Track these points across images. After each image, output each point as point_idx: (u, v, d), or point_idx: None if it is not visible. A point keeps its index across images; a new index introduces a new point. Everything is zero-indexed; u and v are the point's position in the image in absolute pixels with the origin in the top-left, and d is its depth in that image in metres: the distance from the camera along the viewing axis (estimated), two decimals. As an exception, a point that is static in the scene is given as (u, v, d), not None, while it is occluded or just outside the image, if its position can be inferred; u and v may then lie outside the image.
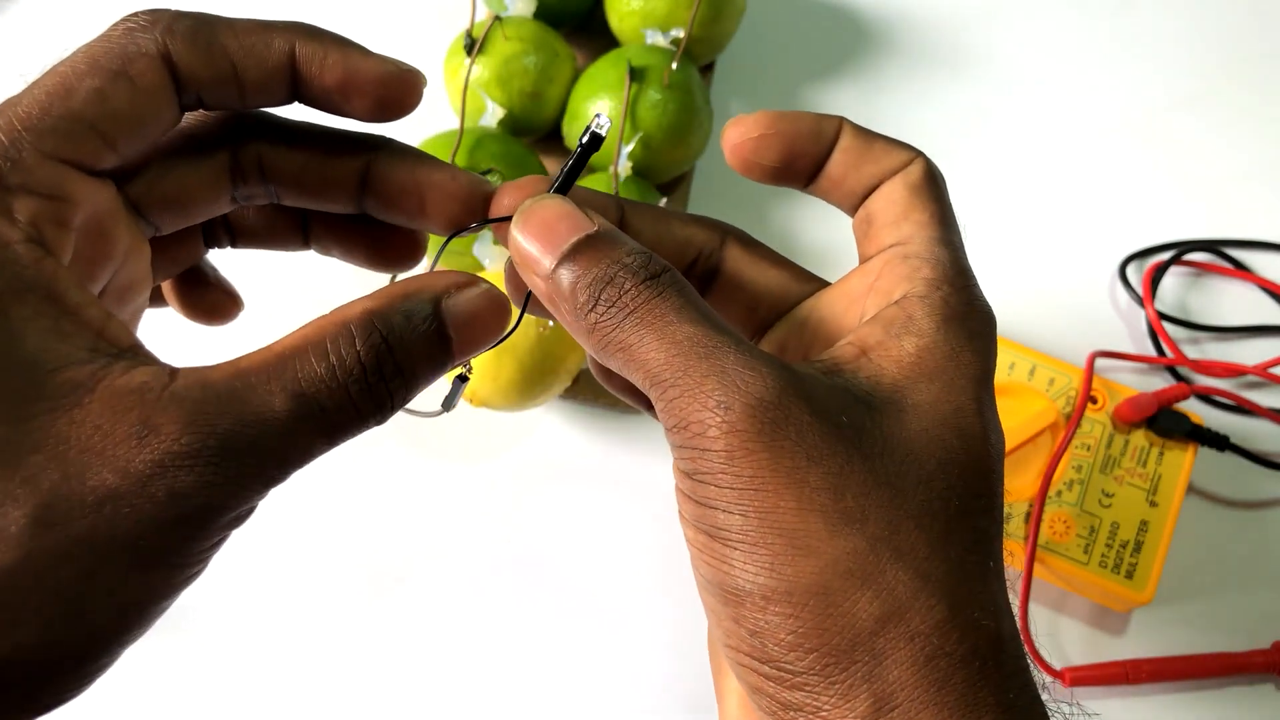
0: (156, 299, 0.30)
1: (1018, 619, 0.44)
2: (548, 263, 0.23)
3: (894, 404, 0.22)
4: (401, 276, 0.25)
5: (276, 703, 0.45)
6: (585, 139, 0.25)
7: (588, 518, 0.49)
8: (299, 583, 0.47)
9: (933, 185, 0.26)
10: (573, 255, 0.23)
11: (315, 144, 0.26)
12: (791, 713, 0.21)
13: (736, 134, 0.26)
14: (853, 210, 0.27)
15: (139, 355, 0.21)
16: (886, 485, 0.21)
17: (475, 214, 0.26)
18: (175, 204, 0.25)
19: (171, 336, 0.33)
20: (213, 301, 0.30)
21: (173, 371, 0.21)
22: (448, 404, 0.26)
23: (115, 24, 0.23)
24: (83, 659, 0.21)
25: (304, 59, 0.24)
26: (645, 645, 0.46)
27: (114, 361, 0.20)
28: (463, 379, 0.26)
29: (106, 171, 0.23)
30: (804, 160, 0.26)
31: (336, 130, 0.26)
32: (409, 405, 0.25)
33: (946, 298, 0.24)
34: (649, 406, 0.27)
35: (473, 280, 0.24)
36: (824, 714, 0.20)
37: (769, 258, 0.28)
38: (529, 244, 0.23)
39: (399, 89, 0.25)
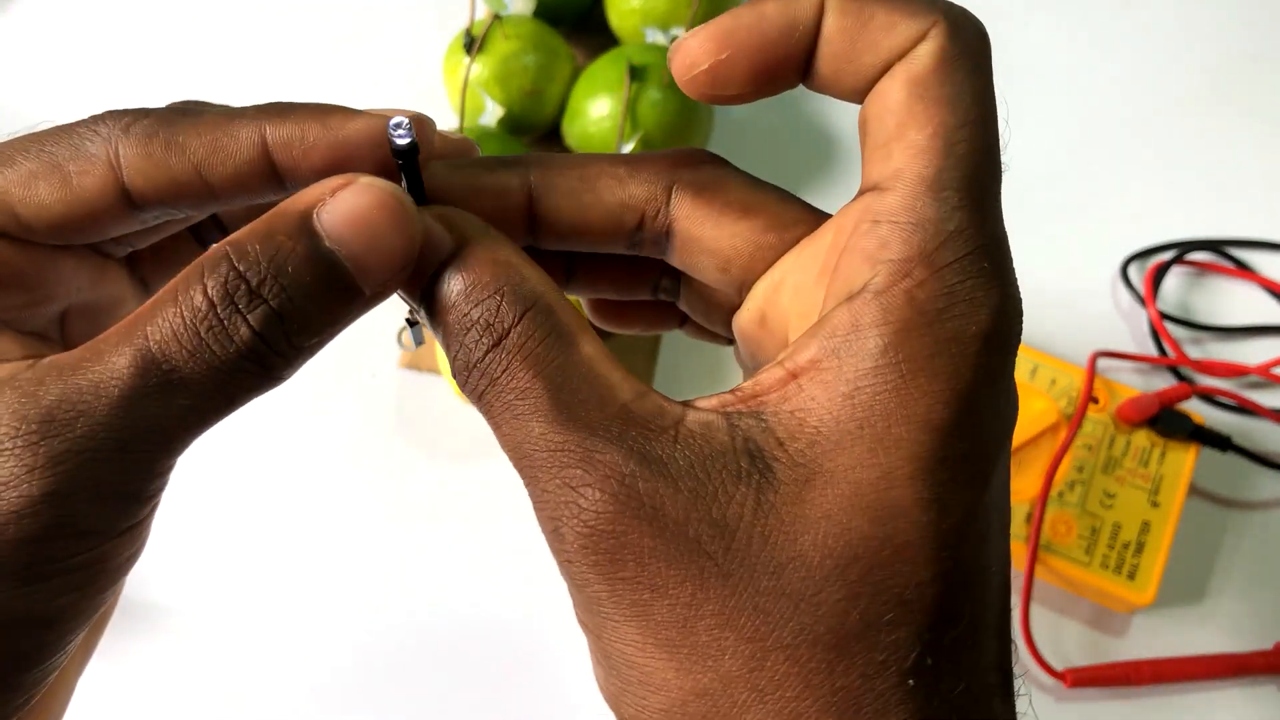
0: None
1: (1018, 620, 0.44)
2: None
3: (802, 470, 0.17)
4: None
5: (271, 704, 0.45)
6: (394, 153, 0.20)
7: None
8: (296, 583, 0.47)
9: (947, 77, 0.18)
10: (431, 295, 0.20)
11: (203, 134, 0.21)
12: None
13: (685, 64, 0.20)
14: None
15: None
16: (753, 610, 0.17)
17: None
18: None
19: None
20: None
21: (35, 360, 0.18)
22: (417, 339, 0.24)
23: (89, 117, 0.21)
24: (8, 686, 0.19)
25: (279, 144, 0.20)
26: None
27: None
28: (411, 321, 0.23)
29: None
30: (783, 67, 0.19)
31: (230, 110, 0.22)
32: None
33: (912, 292, 0.17)
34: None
35: (349, 179, 0.19)
36: None
37: (732, 207, 0.21)
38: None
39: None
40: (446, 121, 0.54)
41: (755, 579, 0.17)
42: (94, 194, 0.20)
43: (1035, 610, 0.46)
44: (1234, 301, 0.55)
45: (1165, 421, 0.46)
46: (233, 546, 0.47)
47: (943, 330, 0.17)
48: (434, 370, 0.51)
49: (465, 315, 0.19)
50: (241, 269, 0.18)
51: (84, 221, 0.21)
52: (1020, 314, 0.19)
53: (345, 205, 0.19)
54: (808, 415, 0.18)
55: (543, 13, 0.56)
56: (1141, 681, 0.44)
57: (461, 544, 0.48)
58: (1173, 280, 0.56)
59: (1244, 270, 0.56)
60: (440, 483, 0.49)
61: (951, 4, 0.19)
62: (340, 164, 0.20)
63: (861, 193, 0.19)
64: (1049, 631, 0.46)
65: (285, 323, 0.18)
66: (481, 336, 0.19)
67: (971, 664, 0.18)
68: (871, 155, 0.19)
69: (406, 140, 0.20)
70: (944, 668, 0.17)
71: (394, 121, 0.19)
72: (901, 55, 0.18)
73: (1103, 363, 0.51)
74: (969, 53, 0.19)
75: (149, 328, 0.18)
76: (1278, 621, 0.46)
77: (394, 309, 0.23)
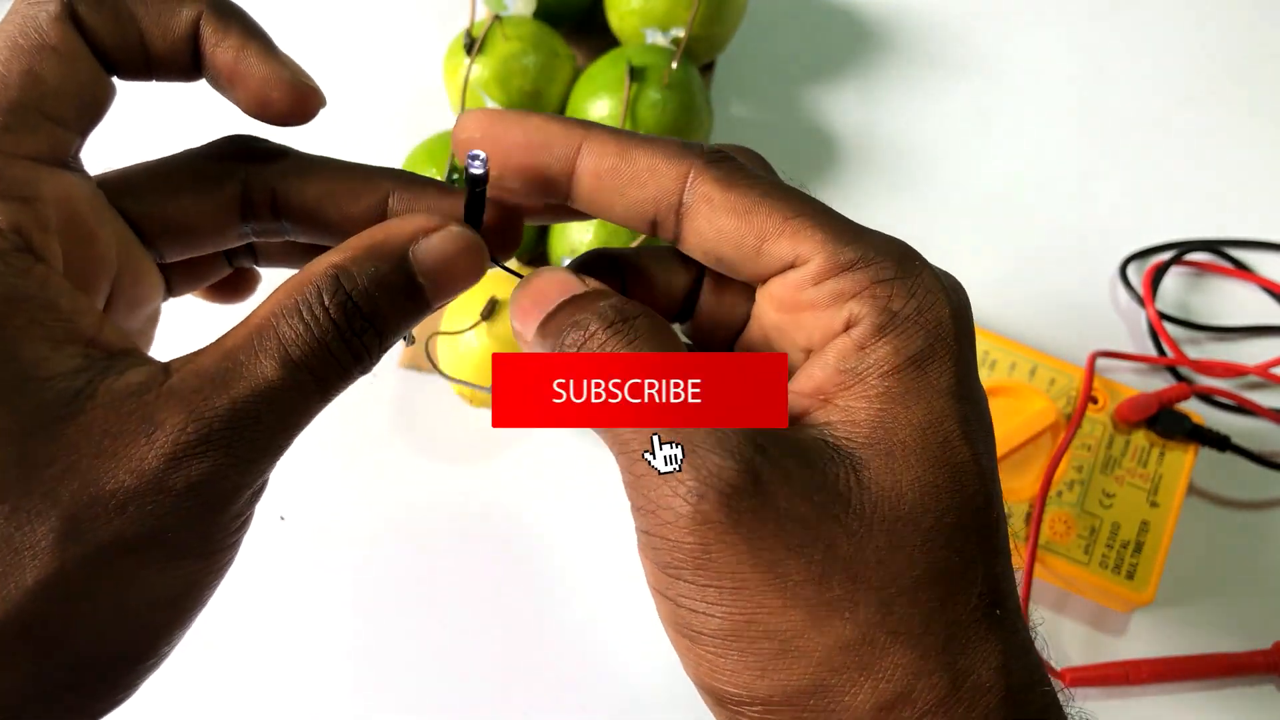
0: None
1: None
2: (530, 330, 0.23)
3: (877, 448, 0.21)
4: None
5: (267, 705, 0.45)
6: (465, 179, 0.23)
7: (587, 518, 0.48)
8: (295, 583, 0.47)
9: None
10: (553, 314, 0.23)
11: (332, 177, 0.25)
12: None
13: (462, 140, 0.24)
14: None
15: (132, 357, 0.21)
16: (876, 563, 0.20)
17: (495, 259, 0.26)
18: (179, 233, 0.25)
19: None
20: (229, 281, 0.29)
21: (166, 367, 0.21)
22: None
23: (16, 1, 0.22)
24: (135, 659, 0.21)
25: (206, 35, 0.23)
26: (644, 647, 0.46)
27: (109, 367, 0.20)
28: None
29: (75, 167, 0.23)
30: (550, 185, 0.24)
31: (355, 165, 0.25)
32: None
33: (886, 305, 0.21)
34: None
35: (440, 224, 0.23)
36: None
37: (733, 206, 0.23)
38: (521, 315, 0.24)
39: (286, 97, 0.24)
40: (447, 122, 0.54)
41: (874, 535, 0.20)
42: (78, 51, 0.22)
43: (1034, 609, 0.46)
44: (1233, 301, 0.56)
45: (1164, 421, 0.46)
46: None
47: (924, 322, 0.21)
48: (435, 370, 0.51)
49: (590, 308, 0.22)
50: (354, 295, 0.22)
51: (87, 85, 0.22)
52: (967, 303, 0.23)
53: (437, 250, 0.23)
54: (856, 417, 0.21)
55: (543, 13, 0.56)
56: (1140, 681, 0.44)
57: (461, 544, 0.48)
58: (1172, 280, 0.56)
59: (1243, 270, 0.56)
60: (440, 482, 0.50)
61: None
62: (234, 73, 0.23)
63: (772, 275, 0.23)
64: (1048, 631, 0.46)
65: (383, 339, 0.22)
66: (610, 312, 0.22)
67: (1011, 588, 0.21)
68: (776, 239, 0.22)
69: (481, 171, 0.23)
70: (1007, 591, 0.21)
71: (472, 154, 0.23)
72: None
73: (1102, 363, 0.51)
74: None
75: (282, 339, 0.21)
76: (1277, 621, 0.46)
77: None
